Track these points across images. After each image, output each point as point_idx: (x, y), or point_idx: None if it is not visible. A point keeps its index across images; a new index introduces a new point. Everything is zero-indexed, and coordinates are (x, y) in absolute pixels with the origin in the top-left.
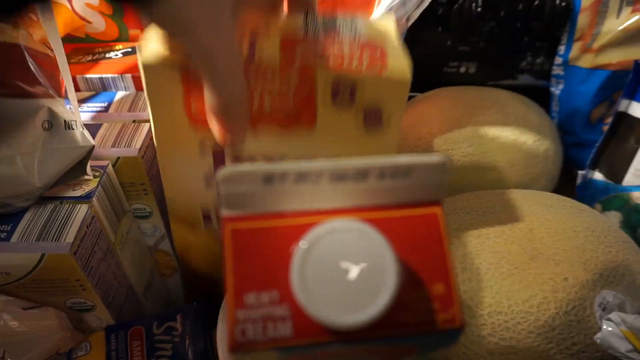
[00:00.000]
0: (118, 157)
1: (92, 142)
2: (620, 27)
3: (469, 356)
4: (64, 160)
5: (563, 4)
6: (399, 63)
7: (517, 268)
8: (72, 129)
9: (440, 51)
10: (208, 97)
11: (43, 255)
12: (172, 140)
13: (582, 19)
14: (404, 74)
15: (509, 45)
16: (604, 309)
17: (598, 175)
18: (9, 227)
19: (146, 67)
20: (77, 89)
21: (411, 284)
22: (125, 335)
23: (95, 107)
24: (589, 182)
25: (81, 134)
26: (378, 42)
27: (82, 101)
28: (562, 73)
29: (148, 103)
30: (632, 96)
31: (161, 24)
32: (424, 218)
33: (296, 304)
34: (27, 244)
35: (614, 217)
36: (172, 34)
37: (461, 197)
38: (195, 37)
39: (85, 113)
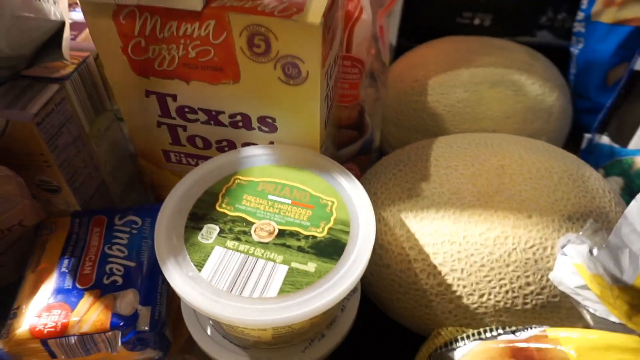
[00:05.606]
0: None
1: (63, 18)
2: None
3: (419, 285)
4: (34, 31)
5: None
6: (316, 6)
7: (479, 200)
8: (43, 1)
9: None
10: None
11: (7, 122)
12: (119, 82)
13: None
14: (315, 17)
15: None
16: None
17: (605, 139)
18: None
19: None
20: None
21: None
22: (89, 221)
23: None
24: (594, 147)
25: (53, 9)
26: None
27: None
28: (583, 30)
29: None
30: None
31: None
32: None
33: None
34: None
35: (615, 183)
36: None
37: (442, 137)
38: None
39: (77, 13)
